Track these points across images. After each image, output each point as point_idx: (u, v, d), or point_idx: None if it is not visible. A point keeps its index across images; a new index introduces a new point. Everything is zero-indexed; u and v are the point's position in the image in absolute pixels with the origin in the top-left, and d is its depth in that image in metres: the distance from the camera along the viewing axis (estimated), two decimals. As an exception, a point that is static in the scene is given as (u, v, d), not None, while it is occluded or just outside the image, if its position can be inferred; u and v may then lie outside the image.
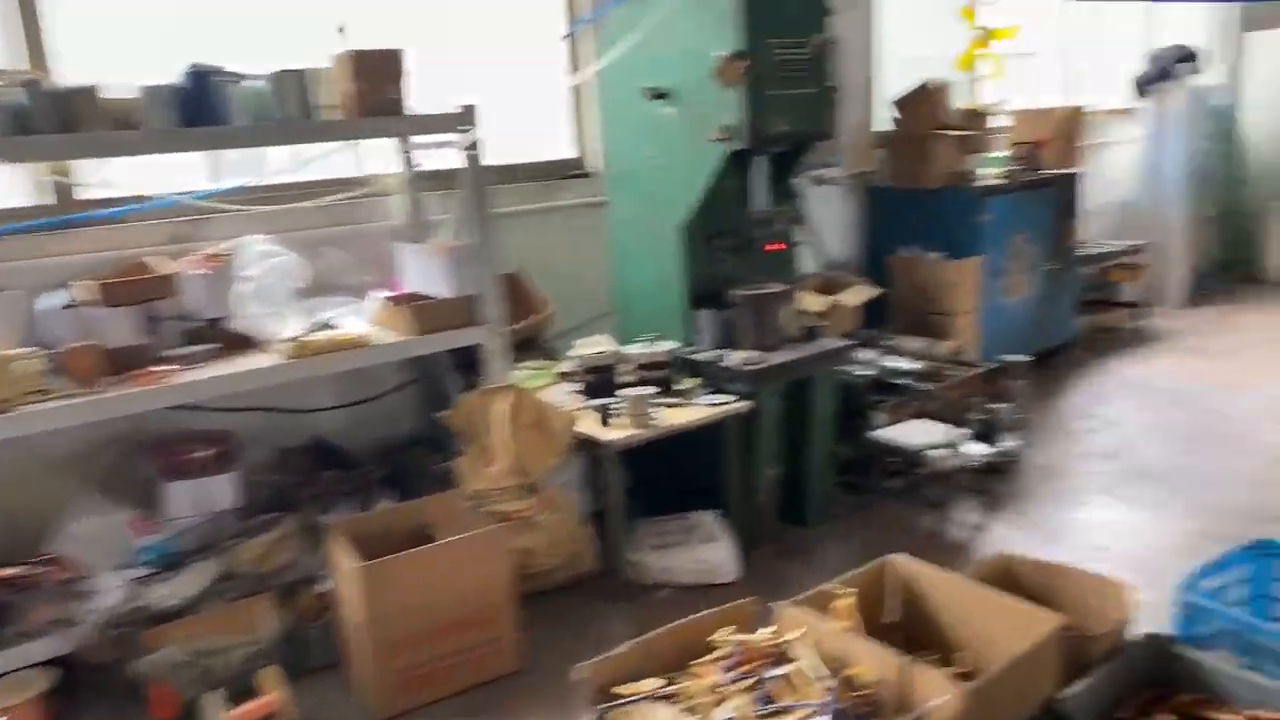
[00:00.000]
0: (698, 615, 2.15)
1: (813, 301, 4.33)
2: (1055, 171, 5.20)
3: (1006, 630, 2.04)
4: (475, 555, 2.55)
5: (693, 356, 3.30)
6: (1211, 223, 7.02)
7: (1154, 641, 2.15)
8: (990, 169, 5.11)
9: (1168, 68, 6.22)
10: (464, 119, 2.89)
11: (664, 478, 3.20)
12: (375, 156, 3.29)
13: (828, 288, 4.58)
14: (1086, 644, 2.08)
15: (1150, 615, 2.23)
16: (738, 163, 3.23)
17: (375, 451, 3.35)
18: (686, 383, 3.24)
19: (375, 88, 2.74)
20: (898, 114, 4.99)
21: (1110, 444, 4.14)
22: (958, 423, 3.64)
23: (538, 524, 2.90)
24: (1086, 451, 4.08)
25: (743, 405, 3.10)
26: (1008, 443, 3.78)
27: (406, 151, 3.31)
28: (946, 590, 2.24)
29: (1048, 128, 5.20)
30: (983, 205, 4.72)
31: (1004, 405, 3.84)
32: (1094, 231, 6.45)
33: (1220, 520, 3.30)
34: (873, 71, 5.21)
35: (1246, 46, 7.18)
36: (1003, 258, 4.90)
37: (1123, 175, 6.64)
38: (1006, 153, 5.28)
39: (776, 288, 3.32)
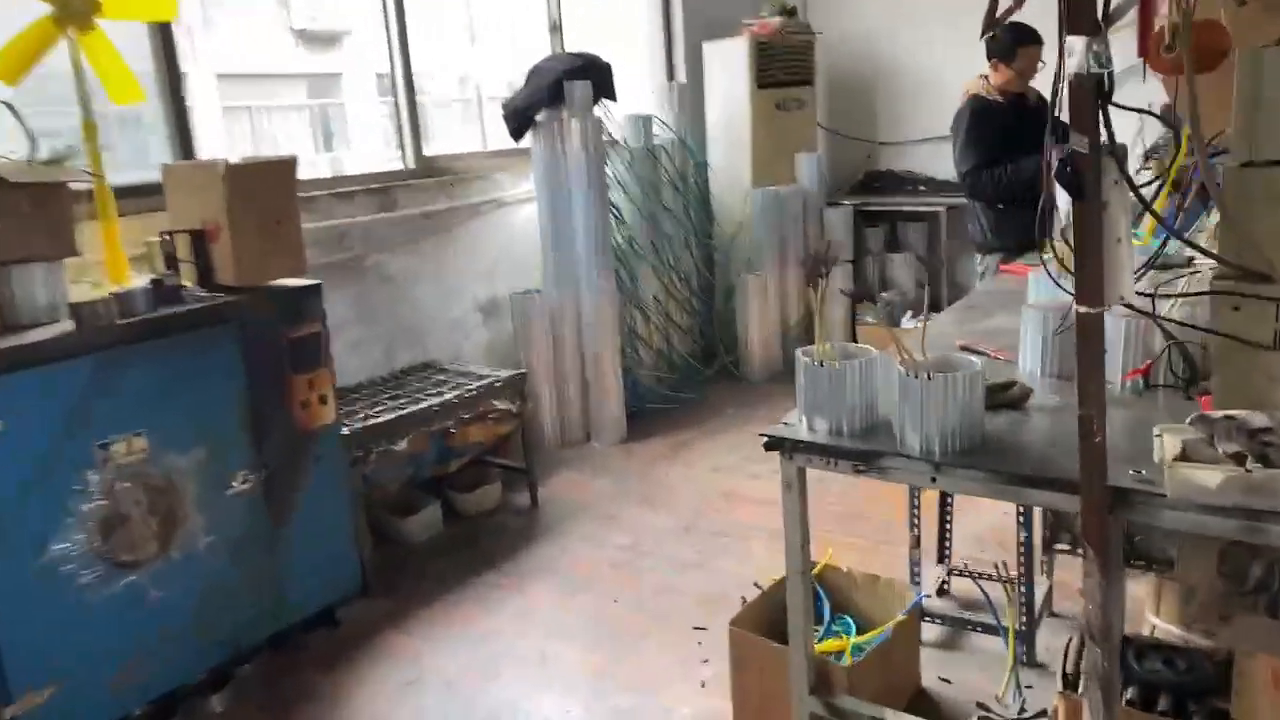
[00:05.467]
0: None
1: None
2: (254, 285, 2.65)
3: None
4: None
5: None
6: (681, 309, 5.02)
7: None
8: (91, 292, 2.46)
9: (550, 90, 4.00)
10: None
11: None
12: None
13: None
14: None
15: None
16: None
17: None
18: None
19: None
20: None
21: None
22: None
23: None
24: None
25: None
26: None
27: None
28: None
29: (218, 204, 2.62)
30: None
31: None
32: (471, 359, 4.12)
33: None
34: None
35: (707, 60, 5.28)
36: (60, 502, 2.23)
37: (509, 257, 4.36)
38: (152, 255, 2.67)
39: None
